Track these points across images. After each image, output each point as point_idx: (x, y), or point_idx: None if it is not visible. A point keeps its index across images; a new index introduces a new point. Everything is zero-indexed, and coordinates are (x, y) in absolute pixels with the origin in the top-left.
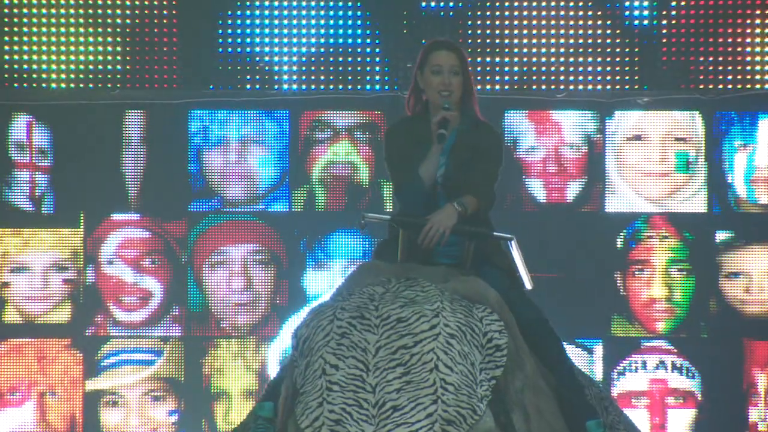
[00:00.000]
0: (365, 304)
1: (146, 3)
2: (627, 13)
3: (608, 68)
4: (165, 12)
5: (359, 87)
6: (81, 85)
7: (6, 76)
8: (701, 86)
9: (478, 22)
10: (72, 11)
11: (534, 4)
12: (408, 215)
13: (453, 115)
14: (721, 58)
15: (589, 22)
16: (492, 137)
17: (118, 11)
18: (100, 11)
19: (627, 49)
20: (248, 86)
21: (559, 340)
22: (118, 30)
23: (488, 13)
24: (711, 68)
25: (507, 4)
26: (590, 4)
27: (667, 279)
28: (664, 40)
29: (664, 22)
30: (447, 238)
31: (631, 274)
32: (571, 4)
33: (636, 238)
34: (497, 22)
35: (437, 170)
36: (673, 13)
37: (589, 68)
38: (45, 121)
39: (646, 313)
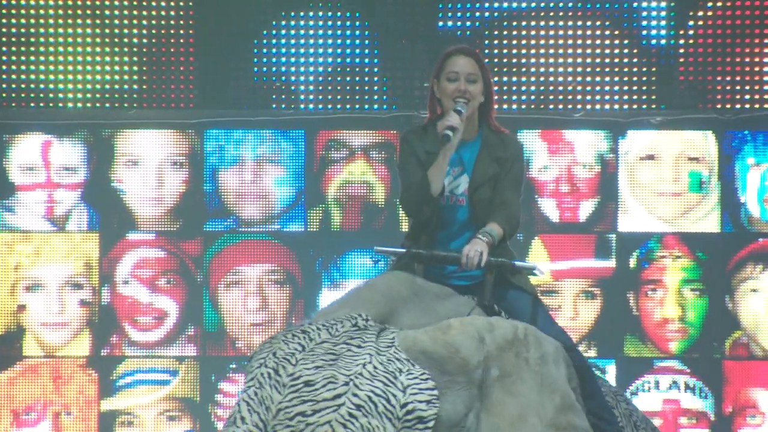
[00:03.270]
0: (291, 354)
1: (163, 23)
2: (644, 32)
3: (625, 87)
4: (182, 32)
5: (375, 107)
6: (98, 105)
7: (23, 95)
8: (718, 105)
9: (495, 42)
10: (89, 31)
11: (551, 23)
12: (425, 250)
13: (460, 119)
14: (738, 78)
15: (606, 42)
16: (516, 148)
17: (135, 31)
18: (117, 31)
19: (644, 69)
20: (264, 106)
21: (587, 365)
22: (135, 50)
23: (504, 32)
24: (728, 88)
25: (524, 23)
26: (607, 23)
27: (680, 299)
28: (681, 60)
29: (681, 41)
30: (486, 259)
31: (643, 294)
32: (588, 23)
33: (649, 258)
34: (514, 42)
35: (444, 176)
36: (690, 32)
37: (606, 87)
38: (70, 139)
39: (659, 333)
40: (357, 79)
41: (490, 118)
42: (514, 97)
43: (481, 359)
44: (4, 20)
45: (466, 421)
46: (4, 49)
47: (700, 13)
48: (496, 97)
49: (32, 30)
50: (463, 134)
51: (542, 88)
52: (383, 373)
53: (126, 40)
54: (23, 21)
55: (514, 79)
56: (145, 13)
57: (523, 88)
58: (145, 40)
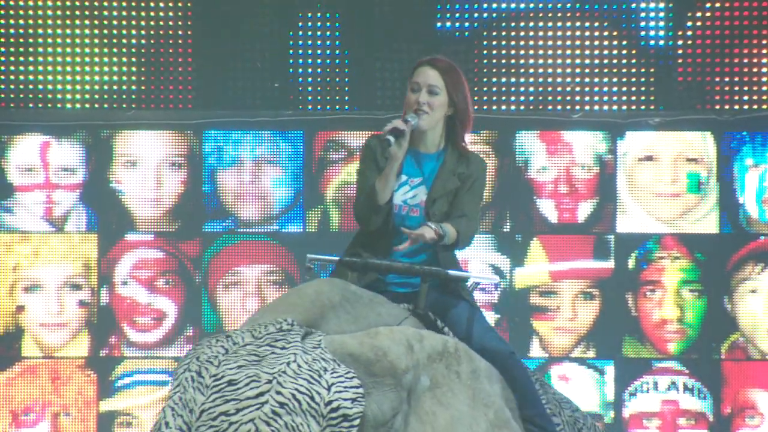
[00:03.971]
0: (215, 356)
1: (161, 24)
2: (642, 33)
3: (623, 88)
4: (180, 33)
5: (373, 108)
6: (96, 106)
7: (21, 96)
8: (717, 106)
9: (493, 43)
10: (87, 32)
11: (549, 24)
12: (356, 256)
13: (407, 126)
14: (737, 78)
15: (604, 43)
16: (479, 166)
17: (133, 32)
18: (115, 32)
19: (642, 70)
20: (263, 107)
21: (527, 373)
22: (134, 51)
23: (503, 33)
24: (727, 88)
25: (522, 24)
26: (605, 24)
27: (678, 300)
28: (680, 61)
29: (680, 42)
30: (432, 240)
31: (642, 295)
32: (586, 24)
33: (647, 259)
34: (512, 43)
35: (392, 185)
36: (689, 33)
37: (604, 88)
38: (69, 140)
39: (658, 333)
40: (356, 80)
41: (460, 133)
42: (513, 98)
43: (410, 365)
44: (2, 21)
45: (393, 422)
46: (2, 49)
47: (699, 14)
48: (494, 98)
49: (30, 31)
50: (427, 146)
51: (540, 89)
52: (307, 371)
53: (124, 40)
54: (21, 21)
55: (513, 80)
56: (143, 14)
57: (522, 89)
58: (143, 41)
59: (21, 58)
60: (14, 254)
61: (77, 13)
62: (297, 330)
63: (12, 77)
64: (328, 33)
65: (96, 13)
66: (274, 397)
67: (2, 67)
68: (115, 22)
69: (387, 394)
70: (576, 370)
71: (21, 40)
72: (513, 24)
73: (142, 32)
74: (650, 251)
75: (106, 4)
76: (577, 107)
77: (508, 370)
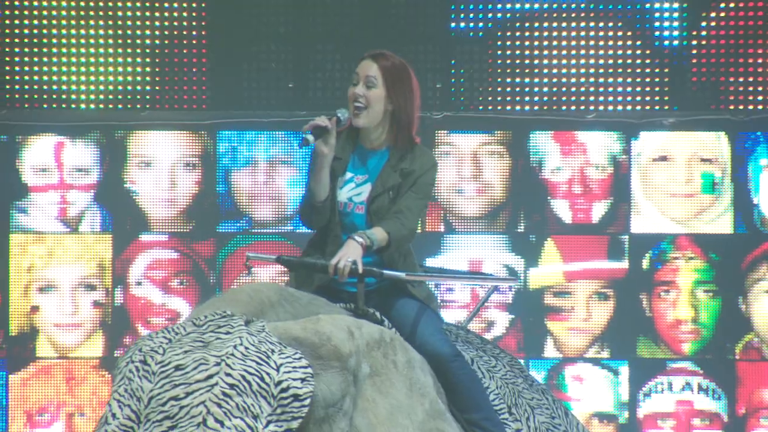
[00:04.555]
0: (159, 345)
1: (175, 24)
2: (656, 34)
3: (638, 89)
4: (194, 33)
5: None
6: (110, 106)
7: (36, 97)
8: (731, 107)
9: (507, 43)
10: (102, 32)
11: (563, 25)
12: (308, 256)
13: (331, 122)
14: (751, 79)
15: (618, 43)
16: (425, 162)
17: (147, 32)
18: (129, 32)
19: (656, 70)
20: (277, 107)
21: (471, 376)
22: (148, 51)
23: (517, 34)
24: (741, 89)
25: (536, 25)
26: (619, 25)
27: (692, 300)
28: (694, 61)
29: (694, 42)
30: (360, 267)
31: (656, 296)
32: (600, 24)
33: (662, 259)
34: (526, 43)
35: (325, 183)
36: (703, 33)
37: (618, 89)
38: (83, 140)
39: (672, 334)
40: None
41: (406, 127)
42: (527, 99)
43: (353, 350)
44: (17, 21)
45: (343, 403)
46: (17, 50)
47: (713, 15)
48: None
49: (45, 31)
50: (372, 143)
51: (555, 89)
52: (255, 353)
53: (139, 41)
54: (36, 22)
55: (527, 80)
56: (157, 14)
57: (536, 89)
58: (157, 42)
59: (35, 59)
60: (29, 255)
61: (92, 14)
62: (239, 317)
63: (26, 78)
64: (342, 34)
65: (110, 14)
66: (224, 379)
67: (17, 68)
68: (129, 23)
69: (335, 376)
70: (590, 370)
71: (35, 41)
72: (527, 24)
73: (157, 33)
74: (664, 251)
75: (120, 5)
76: (591, 107)
77: (451, 372)
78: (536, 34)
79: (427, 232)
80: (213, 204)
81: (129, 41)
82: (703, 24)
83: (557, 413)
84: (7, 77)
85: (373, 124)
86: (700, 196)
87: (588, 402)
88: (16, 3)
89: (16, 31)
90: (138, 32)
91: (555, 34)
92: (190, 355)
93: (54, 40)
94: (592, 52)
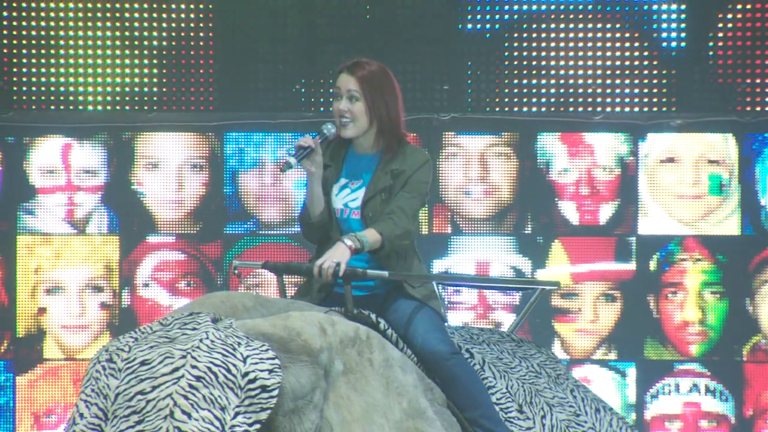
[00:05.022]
0: (126, 344)
1: (182, 26)
2: (663, 35)
3: (645, 90)
4: (201, 35)
5: None
6: (118, 108)
7: (43, 98)
8: (738, 108)
9: (515, 44)
10: (109, 34)
11: (570, 26)
12: (282, 262)
13: (314, 141)
14: (758, 80)
15: (626, 44)
16: (416, 160)
17: (155, 33)
18: (136, 33)
19: (664, 71)
20: (284, 109)
21: (470, 374)
22: (155, 52)
23: (524, 35)
24: (749, 90)
25: (544, 26)
26: (626, 26)
27: (700, 302)
28: (701, 62)
29: (701, 44)
30: (344, 270)
31: (664, 297)
32: (608, 26)
33: (669, 261)
34: (533, 44)
35: (319, 201)
36: (710, 35)
37: (626, 90)
38: (91, 142)
39: (680, 335)
40: None
41: (391, 130)
42: (534, 100)
43: (324, 345)
44: (24, 23)
45: (313, 396)
46: (24, 51)
47: (720, 16)
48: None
49: (52, 33)
50: (365, 148)
51: (562, 90)
52: (221, 345)
53: (146, 42)
54: (43, 24)
55: (534, 81)
56: (164, 15)
57: (543, 90)
58: (164, 43)
59: (42, 60)
60: (36, 256)
61: (98, 15)
62: (205, 315)
63: (34, 79)
64: (349, 35)
65: (117, 15)
66: (190, 371)
67: (24, 69)
68: (136, 24)
69: (304, 369)
70: (597, 372)
71: (42, 42)
72: (535, 26)
73: (164, 34)
74: (672, 253)
75: (127, 6)
76: (599, 109)
77: (448, 370)
78: (543, 35)
79: (434, 234)
80: (220, 206)
81: (136, 43)
82: (710, 26)
83: (584, 410)
84: (15, 78)
85: (361, 133)
86: (708, 198)
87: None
88: (24, 5)
89: (23, 32)
90: (145, 33)
91: (562, 35)
92: (156, 349)
93: (61, 42)
94: (599, 53)
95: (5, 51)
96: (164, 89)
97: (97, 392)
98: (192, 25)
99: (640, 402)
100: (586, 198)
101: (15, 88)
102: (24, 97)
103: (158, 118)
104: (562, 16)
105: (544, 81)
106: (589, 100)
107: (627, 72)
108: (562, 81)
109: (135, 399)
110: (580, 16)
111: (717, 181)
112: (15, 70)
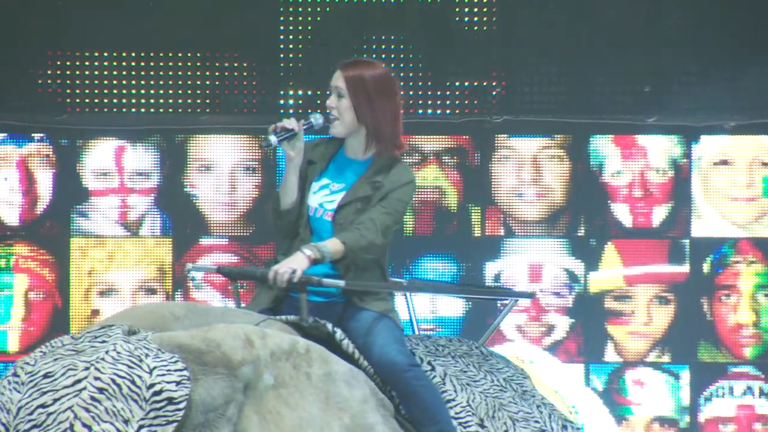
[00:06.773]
0: (33, 358)
1: (239, 29)
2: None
3: (698, 92)
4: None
5: (447, 112)
6: (170, 110)
7: (97, 101)
8: None
9: (567, 47)
10: (161, 36)
11: (625, 28)
12: (237, 267)
13: (298, 125)
14: None
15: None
16: (400, 177)
17: (209, 36)
18: (190, 37)
19: (718, 73)
20: None
21: (428, 388)
22: (208, 55)
23: (575, 38)
24: None
25: (596, 29)
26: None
27: (754, 304)
28: (754, 65)
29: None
30: (300, 277)
31: (717, 300)
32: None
33: (722, 263)
34: (586, 47)
35: (293, 190)
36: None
37: (680, 92)
38: (144, 144)
39: (733, 338)
40: (430, 84)
41: (384, 138)
42: (587, 103)
43: (248, 359)
44: (78, 25)
45: (226, 410)
46: (77, 54)
47: None
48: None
49: (106, 35)
50: (355, 152)
51: (615, 93)
52: (128, 357)
53: (199, 45)
54: (97, 26)
55: (586, 84)
56: (220, 18)
57: (596, 93)
58: (218, 46)
59: (96, 63)
60: (89, 258)
61: (152, 17)
62: (118, 327)
63: (87, 82)
64: (400, 40)
65: (171, 18)
66: (92, 383)
67: (77, 72)
68: (189, 27)
69: (218, 381)
70: (651, 374)
71: (96, 45)
72: (585, 29)
73: (217, 37)
74: (725, 255)
75: (180, 9)
76: (652, 111)
77: (406, 383)
78: (596, 38)
79: (486, 236)
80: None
81: (190, 45)
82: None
83: (550, 426)
84: (68, 81)
85: (349, 132)
86: (761, 200)
87: (649, 406)
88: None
89: (77, 35)
90: (198, 37)
91: (616, 38)
92: (60, 362)
93: (115, 44)
94: (652, 57)
95: (59, 53)
96: (217, 92)
97: (1, 407)
98: (249, 27)
99: (694, 405)
100: (640, 200)
101: (68, 91)
102: (77, 100)
103: (211, 121)
104: (614, 18)
105: (596, 84)
106: (643, 103)
107: (682, 75)
108: (615, 85)
109: (36, 412)
110: (634, 19)
111: None
112: (68, 72)
